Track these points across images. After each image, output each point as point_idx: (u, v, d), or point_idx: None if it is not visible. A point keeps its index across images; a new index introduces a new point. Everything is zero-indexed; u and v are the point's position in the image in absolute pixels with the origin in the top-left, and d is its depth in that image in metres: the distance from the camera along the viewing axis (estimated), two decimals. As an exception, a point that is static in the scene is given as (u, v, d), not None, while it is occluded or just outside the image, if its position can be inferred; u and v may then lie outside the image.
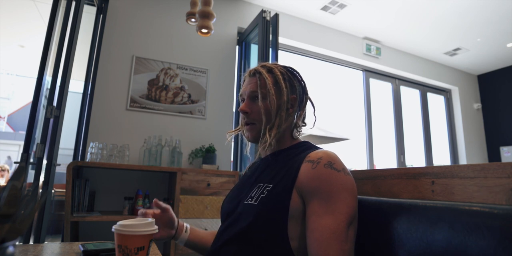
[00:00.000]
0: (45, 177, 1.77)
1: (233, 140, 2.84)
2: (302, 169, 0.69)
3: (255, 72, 0.83)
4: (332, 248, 0.59)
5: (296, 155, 0.75)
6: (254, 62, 2.93)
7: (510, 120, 4.36)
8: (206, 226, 2.22)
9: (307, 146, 0.80)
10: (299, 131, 0.85)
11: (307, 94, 0.84)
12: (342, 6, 3.27)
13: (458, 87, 4.66)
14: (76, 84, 2.78)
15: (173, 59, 2.77)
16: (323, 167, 0.67)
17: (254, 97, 0.81)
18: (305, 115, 0.86)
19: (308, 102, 0.85)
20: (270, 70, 0.82)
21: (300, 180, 0.68)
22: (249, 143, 0.89)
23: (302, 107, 0.84)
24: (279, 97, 0.79)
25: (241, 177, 0.94)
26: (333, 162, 0.68)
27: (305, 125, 0.86)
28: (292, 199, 0.67)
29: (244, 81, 0.88)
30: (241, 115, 0.84)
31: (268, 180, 0.74)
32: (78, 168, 2.18)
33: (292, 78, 0.83)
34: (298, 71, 0.86)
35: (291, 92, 0.81)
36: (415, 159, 4.15)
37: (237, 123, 2.89)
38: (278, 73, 0.81)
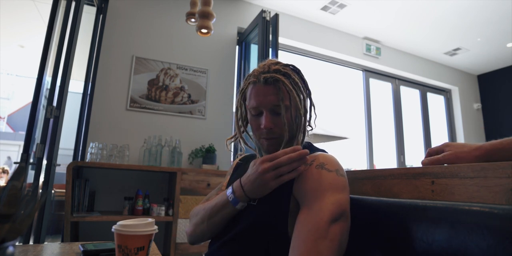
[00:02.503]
0: (45, 177, 1.77)
1: (232, 140, 2.84)
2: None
3: (274, 81, 0.73)
4: (304, 246, 0.58)
5: None
6: (254, 62, 2.93)
7: (510, 120, 4.36)
8: (206, 226, 2.22)
9: (307, 148, 0.79)
10: (308, 133, 0.81)
11: (311, 94, 0.80)
12: (342, 6, 3.27)
13: (458, 87, 4.66)
14: (76, 84, 2.79)
15: (173, 59, 2.77)
16: (314, 168, 0.67)
17: (276, 110, 0.74)
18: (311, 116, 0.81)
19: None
20: (287, 76, 0.74)
21: (295, 184, 0.68)
22: (243, 149, 0.86)
23: (310, 109, 0.80)
24: (302, 108, 0.74)
25: (237, 169, 0.91)
26: (325, 163, 0.67)
27: (312, 129, 0.81)
28: (291, 202, 0.67)
29: (247, 86, 0.78)
30: (257, 128, 0.77)
31: None
32: (78, 168, 2.18)
33: (302, 80, 0.79)
34: (300, 69, 0.80)
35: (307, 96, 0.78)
36: (415, 159, 4.15)
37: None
38: (297, 81, 0.75)
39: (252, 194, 0.68)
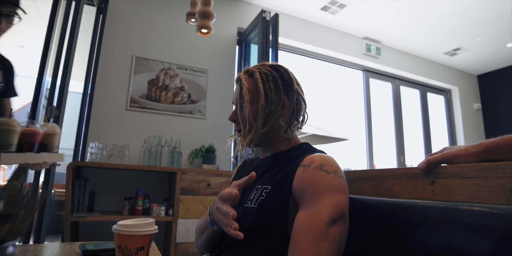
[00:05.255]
0: (45, 177, 1.77)
1: (232, 140, 2.84)
2: (296, 174, 0.69)
3: (238, 79, 0.84)
4: (304, 247, 0.58)
5: (295, 158, 0.74)
6: (254, 62, 2.93)
7: (510, 120, 4.36)
8: (206, 226, 2.22)
9: (305, 149, 0.79)
10: (293, 131, 0.81)
11: (294, 91, 0.80)
12: (342, 6, 3.27)
13: (458, 87, 4.66)
14: (76, 84, 2.78)
15: (173, 59, 2.77)
16: (313, 170, 0.67)
17: (240, 105, 0.82)
18: (298, 113, 0.81)
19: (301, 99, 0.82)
20: (251, 75, 0.81)
21: (293, 185, 0.68)
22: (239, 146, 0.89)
23: (292, 105, 0.79)
24: (255, 103, 0.78)
25: (240, 170, 0.94)
26: (324, 165, 0.67)
27: (299, 123, 0.82)
28: (290, 203, 0.67)
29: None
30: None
31: (267, 182, 0.74)
32: (78, 168, 2.18)
33: (278, 77, 0.79)
34: (286, 68, 0.84)
35: (276, 93, 0.77)
36: (415, 159, 4.15)
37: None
38: (258, 76, 0.79)
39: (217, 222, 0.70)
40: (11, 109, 1.18)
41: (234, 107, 0.86)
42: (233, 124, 0.88)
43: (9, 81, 1.31)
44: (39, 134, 0.82)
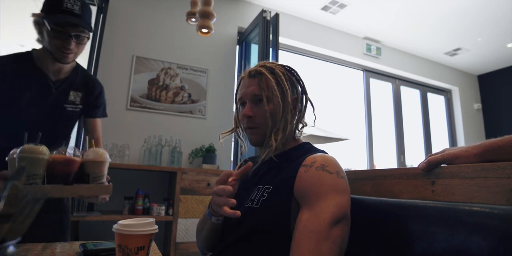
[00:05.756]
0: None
1: (232, 140, 2.85)
2: (298, 174, 0.69)
3: (256, 73, 0.79)
4: (306, 247, 0.58)
5: (296, 158, 0.75)
6: (254, 62, 2.93)
7: (510, 121, 4.36)
8: (206, 226, 2.22)
9: (307, 149, 0.79)
10: (301, 132, 0.83)
11: (306, 93, 0.83)
12: (342, 6, 3.27)
13: (458, 87, 4.66)
14: (76, 84, 2.78)
15: (173, 59, 2.77)
16: (315, 170, 0.67)
17: (257, 100, 0.77)
18: (303, 114, 0.83)
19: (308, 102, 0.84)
20: (271, 71, 0.79)
21: (295, 185, 0.68)
22: (244, 143, 0.88)
23: (303, 107, 0.82)
24: (283, 99, 0.76)
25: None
26: (326, 165, 0.67)
27: (306, 125, 0.84)
28: (292, 203, 0.67)
29: (240, 82, 0.84)
30: (241, 118, 0.81)
31: (268, 182, 0.74)
32: (78, 168, 2.17)
33: (292, 78, 0.81)
34: (296, 70, 0.84)
35: (292, 92, 0.79)
36: (415, 159, 4.15)
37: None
38: (280, 74, 0.78)
39: (216, 212, 0.70)
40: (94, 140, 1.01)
41: (240, 103, 0.82)
42: (241, 120, 0.82)
43: (91, 102, 1.22)
44: (74, 162, 0.72)
